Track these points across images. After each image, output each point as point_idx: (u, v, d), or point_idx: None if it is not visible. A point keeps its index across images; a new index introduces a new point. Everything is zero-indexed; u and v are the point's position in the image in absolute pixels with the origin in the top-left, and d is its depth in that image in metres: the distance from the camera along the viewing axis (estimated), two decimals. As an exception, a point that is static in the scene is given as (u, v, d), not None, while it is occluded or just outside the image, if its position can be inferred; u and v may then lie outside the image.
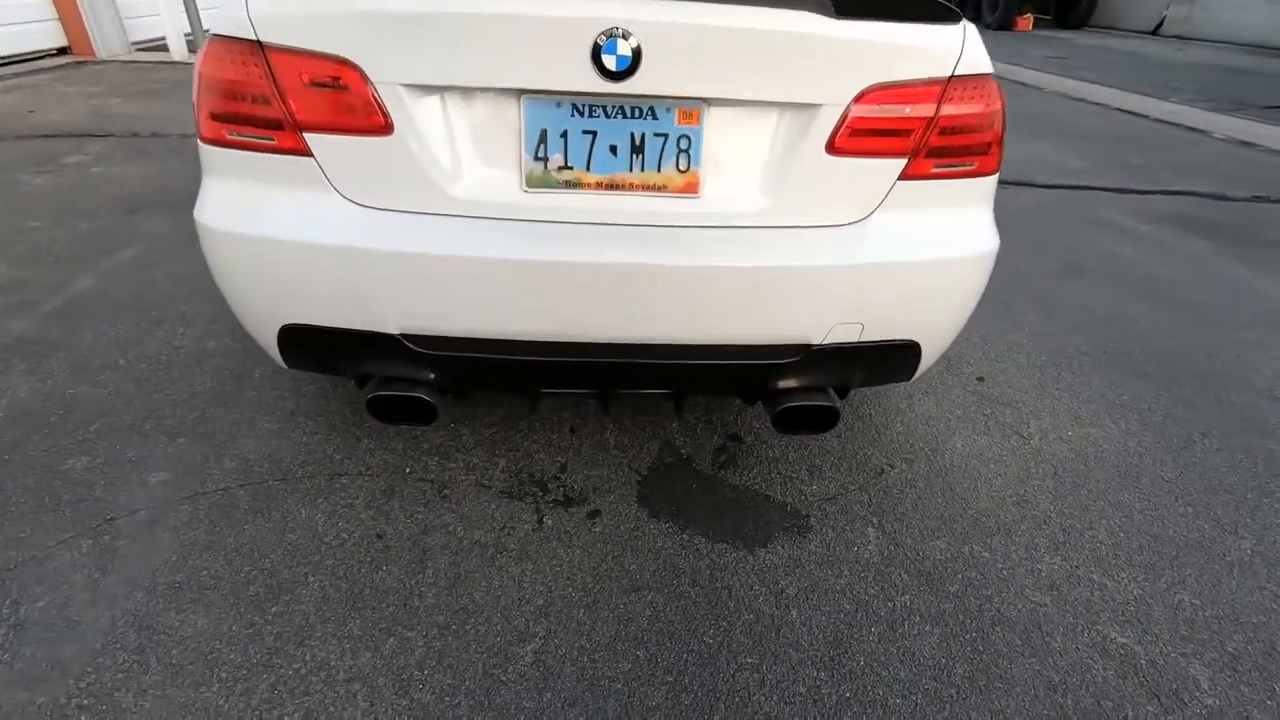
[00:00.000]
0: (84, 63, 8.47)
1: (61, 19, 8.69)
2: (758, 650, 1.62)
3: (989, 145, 1.63)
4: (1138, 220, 4.52)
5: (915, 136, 1.55)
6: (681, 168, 1.53)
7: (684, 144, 1.51)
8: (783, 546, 1.90)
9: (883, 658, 1.61)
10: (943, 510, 2.05)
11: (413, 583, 1.73)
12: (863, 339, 1.69)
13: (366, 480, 2.04)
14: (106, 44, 8.93)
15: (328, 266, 1.53)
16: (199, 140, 1.57)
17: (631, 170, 1.52)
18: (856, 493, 2.11)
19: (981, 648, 1.65)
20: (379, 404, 1.70)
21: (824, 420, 1.78)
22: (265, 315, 1.65)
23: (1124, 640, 1.68)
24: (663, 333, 1.61)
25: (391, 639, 1.60)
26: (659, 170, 1.52)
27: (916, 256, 1.62)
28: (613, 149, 1.50)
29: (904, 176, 1.59)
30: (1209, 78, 10.30)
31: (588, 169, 1.51)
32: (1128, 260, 3.89)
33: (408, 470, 2.09)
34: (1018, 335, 3.04)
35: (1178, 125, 7.36)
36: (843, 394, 1.83)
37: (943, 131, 1.56)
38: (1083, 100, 8.58)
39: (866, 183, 1.58)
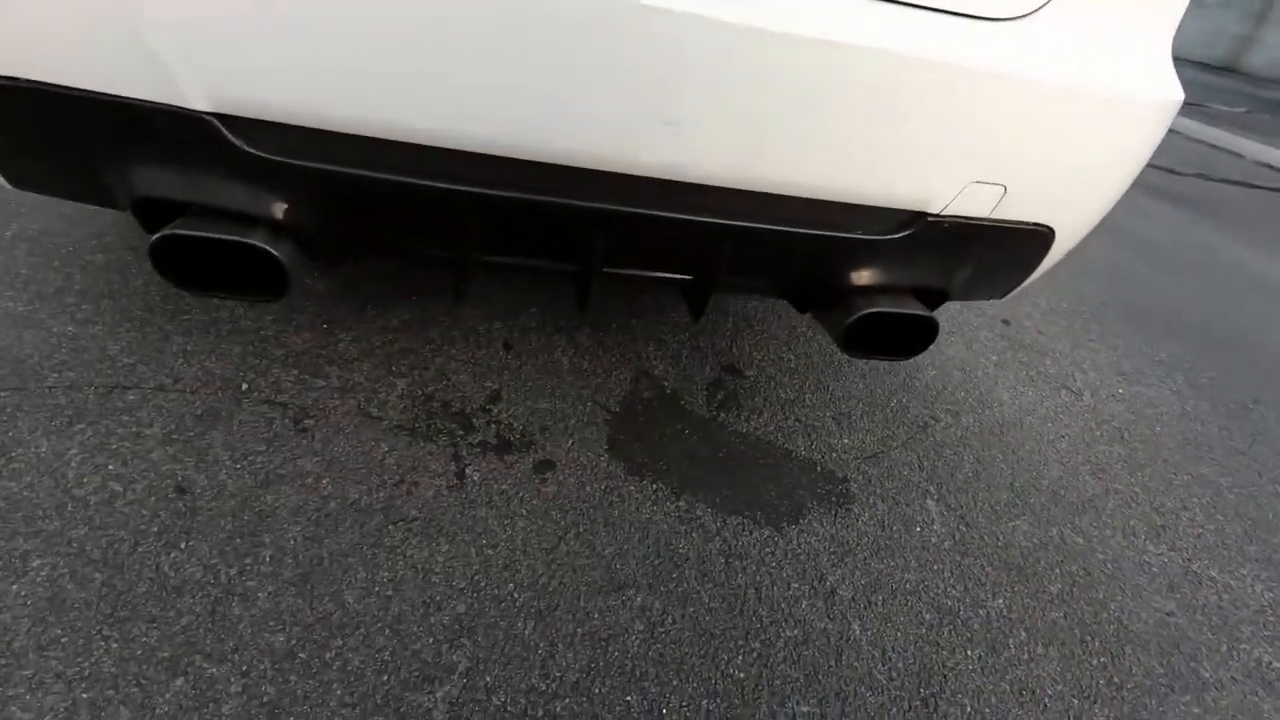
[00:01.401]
0: None
1: None
2: (815, 690, 1.02)
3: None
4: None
5: None
6: None
7: None
8: (821, 523, 1.30)
9: (995, 698, 1.06)
10: (1010, 479, 1.53)
11: (232, 574, 1.00)
12: (995, 214, 1.09)
13: (171, 398, 1.26)
14: None
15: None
16: None
17: None
18: (900, 451, 1.54)
19: (1118, 680, 1.13)
20: (177, 252, 0.93)
21: (916, 337, 1.17)
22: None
23: (1284, 665, 1.22)
24: (698, 162, 0.94)
25: (179, 681, 0.87)
26: None
27: (1100, 85, 1.02)
28: None
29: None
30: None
31: None
32: (1114, 217, 3.57)
33: (244, 386, 1.32)
34: (1032, 278, 2.60)
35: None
36: (934, 304, 1.23)
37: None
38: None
39: (1053, -58, 0.96)
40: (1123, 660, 1.17)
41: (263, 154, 0.87)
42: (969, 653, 1.12)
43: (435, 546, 1.10)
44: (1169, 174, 4.91)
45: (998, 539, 1.36)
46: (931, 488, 1.45)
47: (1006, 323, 2.23)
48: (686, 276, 1.14)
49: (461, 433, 1.32)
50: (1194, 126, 6.59)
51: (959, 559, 1.29)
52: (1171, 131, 6.73)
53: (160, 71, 0.81)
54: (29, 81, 0.82)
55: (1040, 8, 0.99)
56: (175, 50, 0.79)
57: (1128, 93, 1.05)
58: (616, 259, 1.08)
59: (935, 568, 1.26)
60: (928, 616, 1.17)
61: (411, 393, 1.39)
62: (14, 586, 0.92)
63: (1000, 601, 1.23)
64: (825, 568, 1.21)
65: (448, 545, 1.10)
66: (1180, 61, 14.20)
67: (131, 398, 1.24)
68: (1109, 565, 1.35)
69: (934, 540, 1.32)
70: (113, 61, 0.81)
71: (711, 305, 1.75)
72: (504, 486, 1.23)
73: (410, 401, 1.37)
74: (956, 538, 1.34)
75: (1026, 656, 1.14)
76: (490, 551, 1.11)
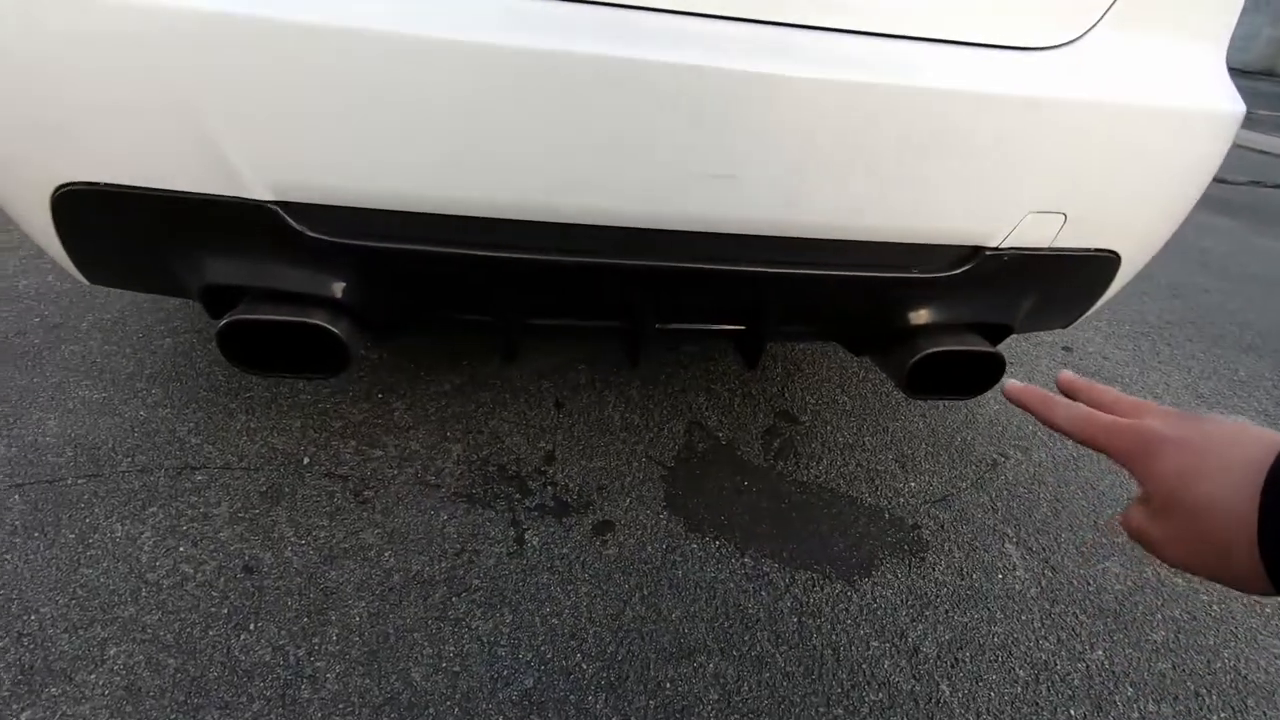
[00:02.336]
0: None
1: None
2: (908, 760, 0.95)
3: (1251, -59, 1.02)
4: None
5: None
6: (804, -91, 0.85)
7: None
8: (895, 575, 1.24)
9: (1107, 765, 0.97)
10: (1094, 518, 1.44)
11: (300, 655, 0.99)
12: (1057, 243, 1.05)
13: (237, 476, 1.28)
14: None
15: (136, 60, 0.78)
16: None
17: (714, -93, 0.83)
18: (971, 492, 1.47)
19: (1244, 738, 1.03)
20: (244, 336, 0.95)
21: (981, 375, 1.13)
22: (27, 167, 0.89)
23: None
24: (747, 213, 0.93)
25: (252, 768, 0.86)
26: (764, -88, 0.84)
27: (1158, 103, 0.99)
28: None
29: (1149, -37, 0.96)
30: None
31: (637, -104, 0.82)
32: (1169, 231, 3.46)
33: (306, 460, 1.34)
34: (1089, 302, 2.51)
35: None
36: (997, 339, 1.19)
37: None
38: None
39: (1093, -32, 0.94)
40: (1245, 715, 1.06)
41: (322, 236, 0.89)
42: (1072, 712, 1.04)
43: (500, 617, 1.07)
44: (1221, 183, 4.76)
45: (1088, 583, 1.27)
46: (1009, 530, 1.38)
47: (1068, 349, 2.15)
48: (739, 327, 1.13)
49: (519, 496, 1.31)
50: (1242, 133, 6.38)
51: (1048, 607, 1.21)
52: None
53: (226, 167, 0.84)
54: (107, 185, 0.87)
55: (1085, 33, 0.97)
56: (239, 147, 0.83)
57: (1185, 109, 1.02)
58: (668, 314, 1.07)
59: (1023, 618, 1.18)
60: (1022, 673, 1.09)
61: (467, 458, 1.39)
62: (92, 676, 0.93)
63: (1099, 653, 1.14)
64: (905, 623, 1.15)
65: (511, 615, 1.08)
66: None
67: (200, 478, 1.27)
68: (1215, 608, 1.25)
69: (1018, 588, 1.24)
70: (182, 161, 0.85)
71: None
72: (564, 550, 1.21)
73: (466, 467, 1.37)
74: (1043, 584, 1.26)
75: (1137, 715, 1.04)
76: (555, 620, 1.08)
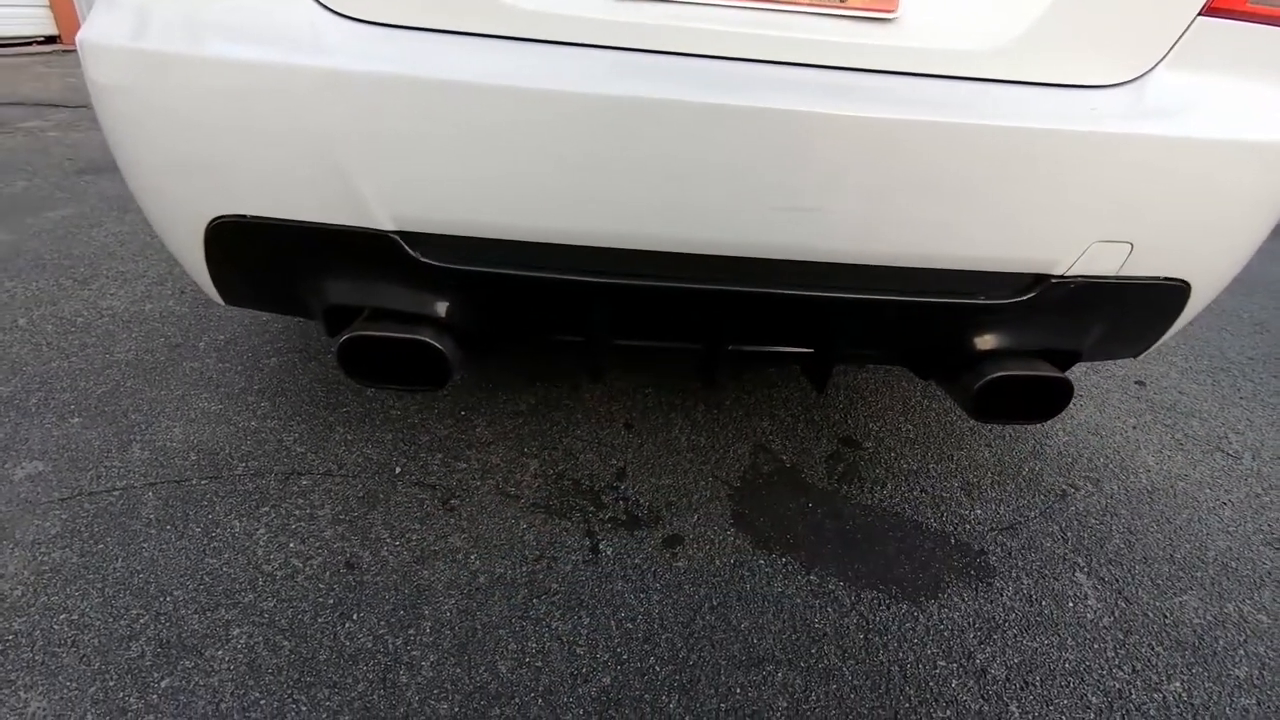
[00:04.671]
0: (72, 51, 7.98)
1: (53, 7, 8.24)
2: (977, 776, 0.96)
3: (1319, -20, 1.05)
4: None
5: (1239, -62, 0.97)
6: (873, -34, 0.93)
7: (880, -75, 0.92)
8: (962, 598, 1.25)
9: (1186, 794, 0.96)
10: (1170, 551, 1.42)
11: (398, 644, 1.08)
12: (1124, 271, 1.08)
13: (338, 483, 1.40)
14: (99, 36, 8.44)
15: (288, 111, 0.92)
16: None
17: (792, -34, 0.93)
18: (1040, 521, 1.47)
19: (1336, 778, 1.00)
20: (360, 351, 1.07)
21: (1049, 400, 1.15)
22: (186, 203, 1.03)
23: None
24: (821, 242, 1.00)
25: (359, 742, 0.94)
26: (836, -31, 0.93)
27: (1222, 135, 1.02)
28: (765, -72, 0.91)
29: (1208, 10, 1.00)
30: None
31: (722, -39, 0.92)
32: (1247, 264, 3.33)
33: (398, 470, 1.45)
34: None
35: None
36: (1065, 366, 1.21)
37: (1276, -63, 0.98)
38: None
39: (1154, 14, 0.99)
40: (1338, 756, 1.03)
41: (434, 262, 1.01)
42: (1148, 741, 1.03)
43: (577, 619, 1.14)
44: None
45: (1164, 616, 1.25)
46: (1080, 560, 1.37)
47: (1141, 384, 2.11)
48: (809, 350, 1.19)
49: (593, 509, 1.38)
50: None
51: (1122, 637, 1.20)
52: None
53: (356, 202, 0.96)
54: (254, 218, 1.00)
55: (1147, 72, 1.02)
56: (369, 184, 0.95)
57: (1246, 142, 1.04)
58: (745, 336, 1.14)
59: (1096, 646, 1.18)
60: (1094, 700, 1.09)
61: (544, 472, 1.48)
62: (220, 653, 1.04)
63: (1177, 685, 1.12)
64: (972, 645, 1.16)
65: (589, 618, 1.15)
66: None
67: (305, 483, 1.39)
68: (1304, 646, 1.21)
69: (1090, 616, 1.24)
70: (319, 197, 0.97)
71: (824, 378, 1.77)
72: (636, 560, 1.27)
73: (543, 480, 1.45)
74: (1116, 614, 1.25)
75: (1218, 747, 1.03)
76: (629, 625, 1.14)
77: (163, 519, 1.27)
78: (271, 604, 1.12)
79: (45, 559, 1.17)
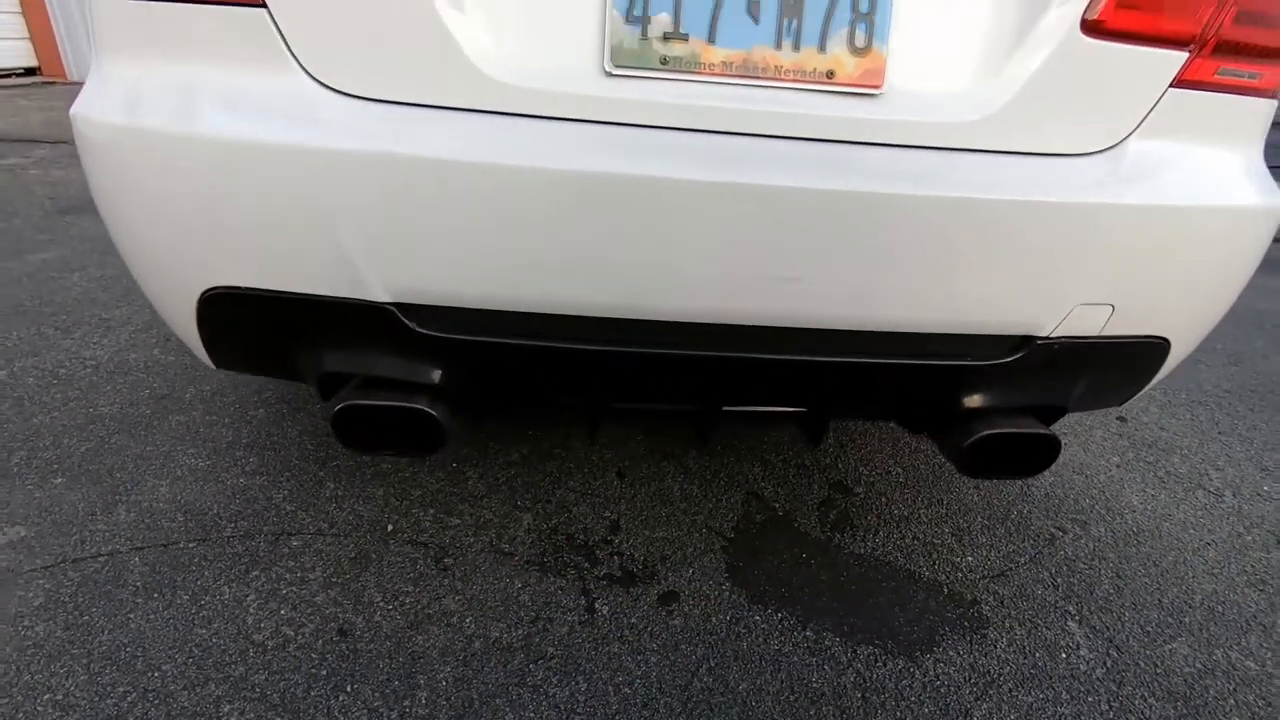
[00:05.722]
0: (52, 82, 7.96)
1: (33, 39, 8.22)
2: (979, 843, 0.96)
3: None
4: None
5: (1205, 15, 1.01)
6: (858, 44, 0.96)
7: (864, 6, 0.95)
8: (957, 651, 1.26)
9: None
10: (1158, 595, 1.44)
11: (394, 717, 1.06)
12: (1106, 331, 1.11)
13: (329, 542, 1.38)
14: (81, 67, 8.43)
15: (282, 186, 0.92)
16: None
17: (779, 45, 0.95)
18: (1029, 567, 1.48)
19: (1330, 833, 1.01)
20: (354, 419, 1.07)
21: (1037, 456, 1.17)
22: (178, 274, 1.03)
23: None
24: (813, 310, 1.02)
25: (355, 826, 0.92)
26: (822, 47, 0.96)
27: (1195, 201, 1.06)
28: (751, 8, 0.94)
29: (1178, 81, 1.04)
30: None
31: (710, 39, 0.94)
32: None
33: (390, 528, 1.43)
34: (1143, 369, 2.50)
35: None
36: (1051, 419, 1.23)
37: (1240, 17, 1.03)
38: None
39: (1128, 86, 1.03)
40: (1331, 809, 1.04)
41: (429, 332, 1.01)
42: (1146, 800, 1.04)
43: (575, 685, 1.13)
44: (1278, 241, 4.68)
45: (1155, 665, 1.27)
46: (1070, 608, 1.38)
47: (1123, 420, 2.15)
48: (802, 409, 1.20)
49: (587, 565, 1.38)
50: (1293, 191, 6.27)
51: (1115, 689, 1.21)
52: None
53: (352, 274, 0.97)
54: (248, 289, 1.00)
55: (1125, 138, 1.05)
56: (365, 258, 0.96)
57: (1219, 207, 1.08)
58: (739, 398, 1.15)
59: (1090, 700, 1.19)
60: (1091, 756, 1.09)
61: (538, 526, 1.47)
62: (210, 732, 1.02)
63: (1171, 738, 1.13)
64: (969, 701, 1.16)
65: (586, 684, 1.14)
66: (1264, 124, 13.65)
67: (296, 543, 1.37)
68: (1292, 693, 1.23)
69: (1083, 668, 1.25)
70: (315, 269, 0.97)
71: (814, 423, 1.79)
72: (633, 620, 1.26)
73: (537, 535, 1.45)
74: (1108, 664, 1.26)
75: (1214, 804, 1.04)
76: (627, 690, 1.13)
77: (150, 586, 1.25)
78: (263, 677, 1.10)
79: (29, 633, 1.14)
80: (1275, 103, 1.16)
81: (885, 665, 1.22)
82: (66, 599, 1.21)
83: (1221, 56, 1.04)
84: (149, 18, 0.93)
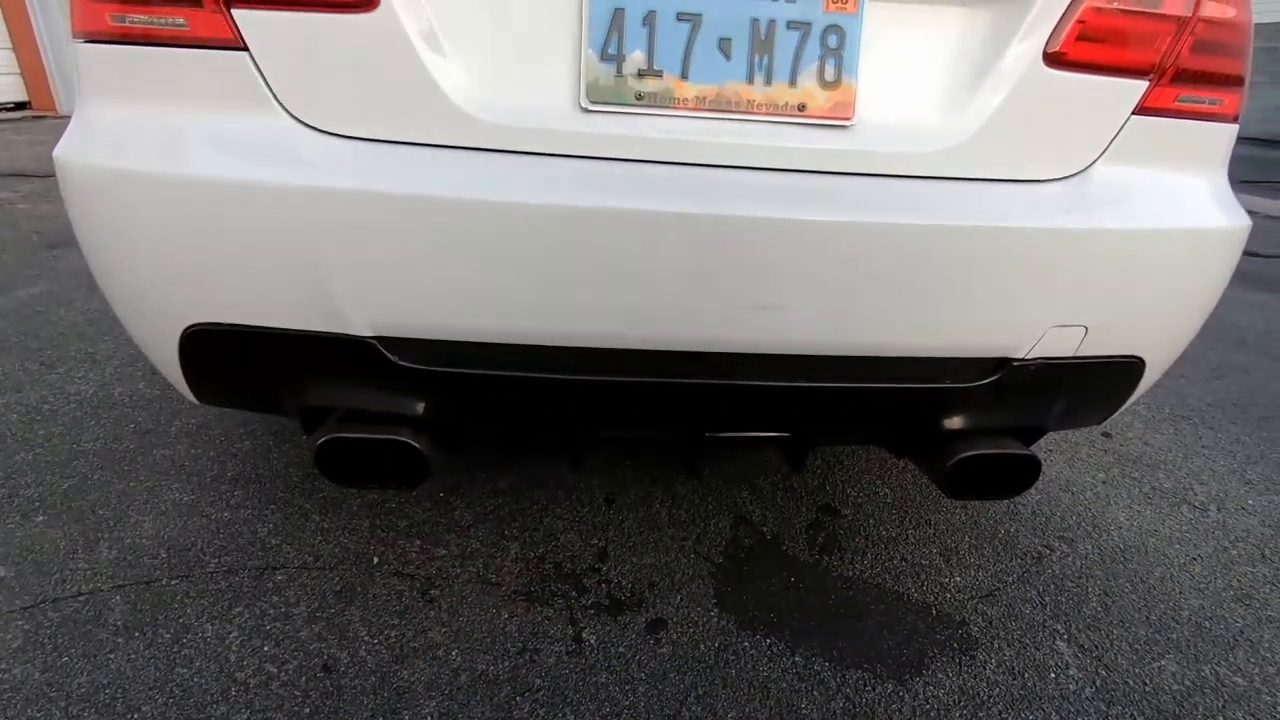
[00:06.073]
0: (43, 117, 7.99)
1: (23, 74, 8.27)
2: None
3: (1239, 77, 1.14)
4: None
5: (1163, 45, 1.04)
6: (828, 78, 0.99)
7: (832, 42, 0.98)
8: (946, 674, 1.26)
9: None
10: (1145, 612, 1.44)
11: (378, 754, 1.05)
12: (1080, 352, 1.12)
13: (314, 576, 1.37)
14: (71, 101, 8.46)
15: (263, 225, 0.93)
16: (73, 40, 1.00)
17: (751, 80, 0.98)
18: (1018, 586, 1.49)
19: None
20: (337, 452, 1.07)
21: (1018, 477, 1.18)
22: (161, 311, 1.04)
23: None
24: (790, 336, 1.03)
25: None
26: (793, 81, 0.98)
27: (1161, 224, 1.08)
28: (723, 45, 0.96)
29: (1140, 109, 1.07)
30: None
31: (684, 75, 0.97)
32: (1203, 309, 3.47)
33: (376, 560, 1.43)
34: (1127, 385, 2.52)
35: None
36: (1031, 439, 1.25)
37: (1197, 46, 1.06)
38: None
39: (1091, 115, 1.06)
40: (1321, 827, 1.04)
41: (410, 365, 1.02)
42: (1137, 822, 1.03)
43: (562, 718, 1.12)
44: (1253, 256, 4.76)
45: (1144, 683, 1.27)
46: (1059, 626, 1.38)
47: (1108, 436, 2.16)
48: (785, 434, 1.21)
49: (575, 594, 1.37)
50: (1271, 205, 6.41)
51: (1104, 708, 1.21)
52: (1250, 212, 6.57)
53: (333, 310, 0.98)
54: (230, 325, 1.01)
55: (1091, 164, 1.08)
56: (346, 293, 0.96)
57: (1184, 228, 1.11)
58: (722, 425, 1.16)
59: (1080, 720, 1.18)
60: (1082, 779, 1.09)
61: (524, 555, 1.47)
62: (190, 775, 1.00)
63: (1161, 758, 1.13)
64: (959, 725, 1.16)
65: (573, 716, 1.13)
66: (1240, 140, 13.93)
67: (280, 578, 1.36)
68: (1280, 709, 1.23)
69: (1072, 688, 1.25)
70: (297, 305, 0.98)
71: (800, 445, 1.79)
72: (620, 649, 1.26)
73: (524, 565, 1.44)
74: (1097, 684, 1.26)
75: (1205, 825, 1.03)
76: (615, 718, 1.12)
77: (131, 625, 1.23)
78: (244, 716, 1.08)
79: (6, 676, 1.13)
80: (1236, 128, 1.19)
81: (874, 689, 1.21)
82: (45, 640, 1.19)
83: (1181, 84, 1.08)
84: (131, 62, 0.95)
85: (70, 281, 2.85)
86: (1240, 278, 4.16)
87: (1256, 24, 1.13)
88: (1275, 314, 3.47)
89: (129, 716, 1.07)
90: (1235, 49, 1.11)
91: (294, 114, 0.95)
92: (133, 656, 1.17)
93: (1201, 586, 1.53)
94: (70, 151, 0.98)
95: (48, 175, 4.79)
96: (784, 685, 1.21)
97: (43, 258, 3.14)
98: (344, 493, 1.61)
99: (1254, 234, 1.21)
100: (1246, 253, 1.40)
